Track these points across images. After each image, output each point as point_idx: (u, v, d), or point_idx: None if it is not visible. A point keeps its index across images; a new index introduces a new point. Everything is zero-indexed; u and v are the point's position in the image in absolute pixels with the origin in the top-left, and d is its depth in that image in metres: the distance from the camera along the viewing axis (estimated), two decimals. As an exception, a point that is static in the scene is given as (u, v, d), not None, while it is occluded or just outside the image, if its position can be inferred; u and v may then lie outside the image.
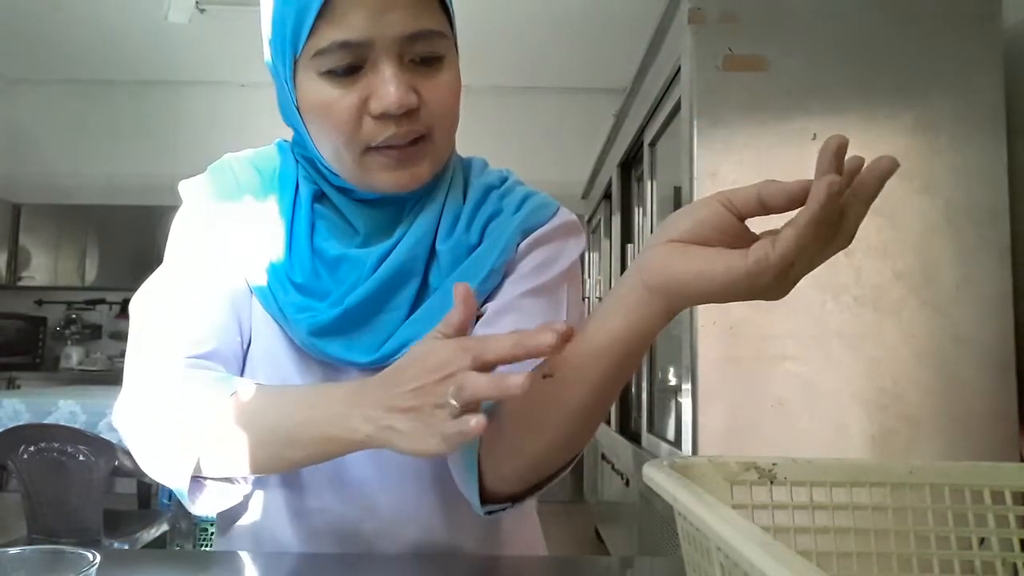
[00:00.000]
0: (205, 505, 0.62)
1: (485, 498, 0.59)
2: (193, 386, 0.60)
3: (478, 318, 0.67)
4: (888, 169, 0.42)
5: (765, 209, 0.43)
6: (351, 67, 0.58)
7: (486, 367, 0.47)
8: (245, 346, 0.69)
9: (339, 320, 0.63)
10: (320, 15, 0.57)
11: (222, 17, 3.75)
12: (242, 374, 0.69)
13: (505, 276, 0.68)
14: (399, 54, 0.58)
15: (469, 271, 0.66)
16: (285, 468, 0.59)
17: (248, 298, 0.68)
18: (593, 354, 0.50)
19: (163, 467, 0.59)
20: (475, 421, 0.45)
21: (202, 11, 3.70)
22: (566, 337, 0.46)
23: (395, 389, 0.50)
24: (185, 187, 0.71)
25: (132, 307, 0.68)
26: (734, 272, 0.43)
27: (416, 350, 0.51)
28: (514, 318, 0.64)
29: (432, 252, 0.67)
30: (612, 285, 3.12)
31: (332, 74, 0.59)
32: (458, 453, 0.59)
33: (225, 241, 0.68)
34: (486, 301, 0.67)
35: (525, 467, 0.57)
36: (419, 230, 0.66)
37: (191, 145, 4.65)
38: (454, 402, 0.46)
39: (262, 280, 0.66)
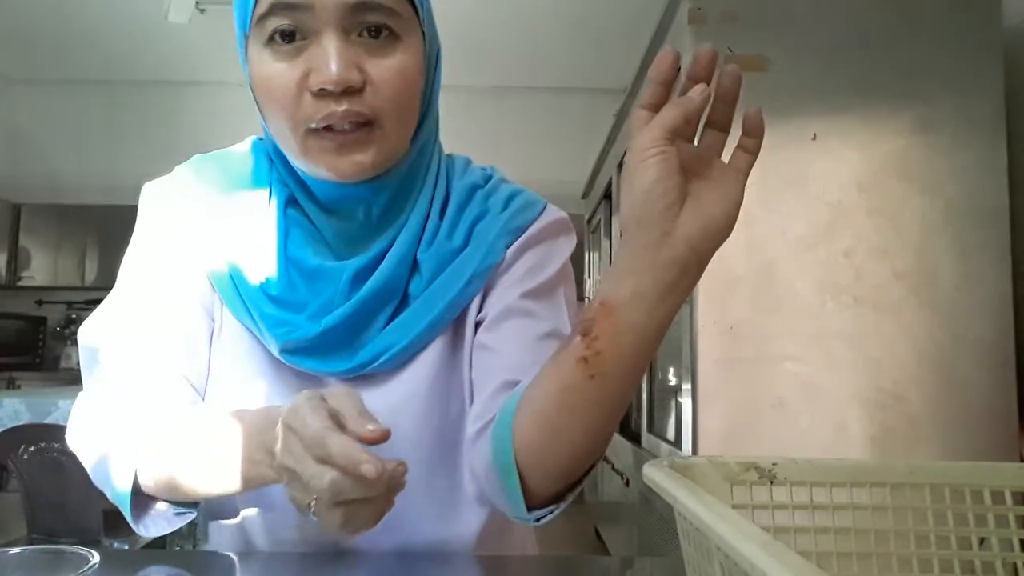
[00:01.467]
0: (148, 527, 0.60)
1: (531, 504, 0.57)
2: (141, 406, 0.60)
3: (477, 324, 0.66)
4: (711, 54, 0.47)
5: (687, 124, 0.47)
6: (291, 34, 0.56)
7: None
8: (207, 356, 0.67)
9: (316, 339, 0.61)
10: None
11: (222, 17, 3.74)
12: (208, 384, 0.68)
13: (496, 281, 0.66)
14: (344, 27, 0.56)
15: (451, 278, 0.64)
16: (207, 495, 0.58)
17: (213, 305, 0.66)
18: (644, 345, 0.49)
19: (108, 491, 0.58)
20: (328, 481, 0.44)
21: (202, 11, 3.70)
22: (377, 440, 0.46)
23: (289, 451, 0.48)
24: (148, 192, 0.69)
25: (83, 332, 0.66)
26: (738, 197, 0.48)
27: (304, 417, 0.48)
28: (517, 322, 0.64)
29: (413, 261, 0.65)
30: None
31: (274, 44, 0.57)
32: (494, 467, 0.57)
33: (188, 248, 0.66)
34: (481, 306, 0.66)
35: (569, 459, 0.55)
36: (403, 246, 0.64)
37: (191, 145, 4.59)
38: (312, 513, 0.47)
39: (234, 291, 0.64)
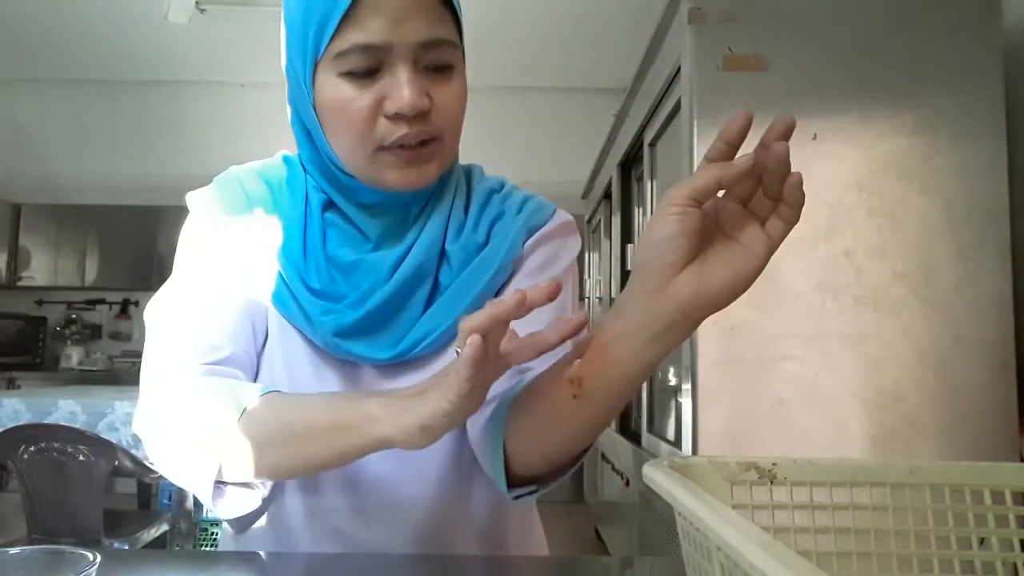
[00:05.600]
0: (227, 509, 0.64)
1: (511, 483, 0.62)
2: (213, 391, 0.62)
3: None
4: (785, 127, 0.46)
5: (719, 191, 0.48)
6: (369, 69, 0.61)
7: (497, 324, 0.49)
8: (259, 351, 0.71)
9: (363, 321, 0.66)
10: (343, 20, 0.60)
11: (222, 17, 3.75)
12: (256, 378, 0.71)
13: (513, 273, 0.72)
14: (414, 60, 0.62)
15: (479, 269, 0.69)
16: (304, 467, 0.60)
17: (261, 304, 0.70)
18: (628, 380, 0.53)
19: (186, 473, 0.62)
20: (470, 343, 0.47)
21: (202, 11, 3.70)
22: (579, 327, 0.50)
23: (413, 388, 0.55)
24: (192, 199, 0.73)
25: (147, 316, 0.70)
26: (755, 268, 0.48)
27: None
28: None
29: (442, 253, 0.71)
30: (612, 285, 3.12)
31: (351, 75, 0.62)
32: (486, 440, 0.63)
33: (236, 250, 0.70)
34: (496, 297, 0.70)
35: (551, 459, 0.61)
36: (431, 233, 0.70)
37: (191, 145, 4.65)
38: (458, 350, 0.49)
39: (280, 286, 0.69)
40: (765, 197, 0.48)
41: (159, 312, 0.69)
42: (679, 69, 1.76)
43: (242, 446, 0.59)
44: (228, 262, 0.70)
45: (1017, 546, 0.47)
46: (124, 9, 3.81)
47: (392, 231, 0.71)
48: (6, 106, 4.75)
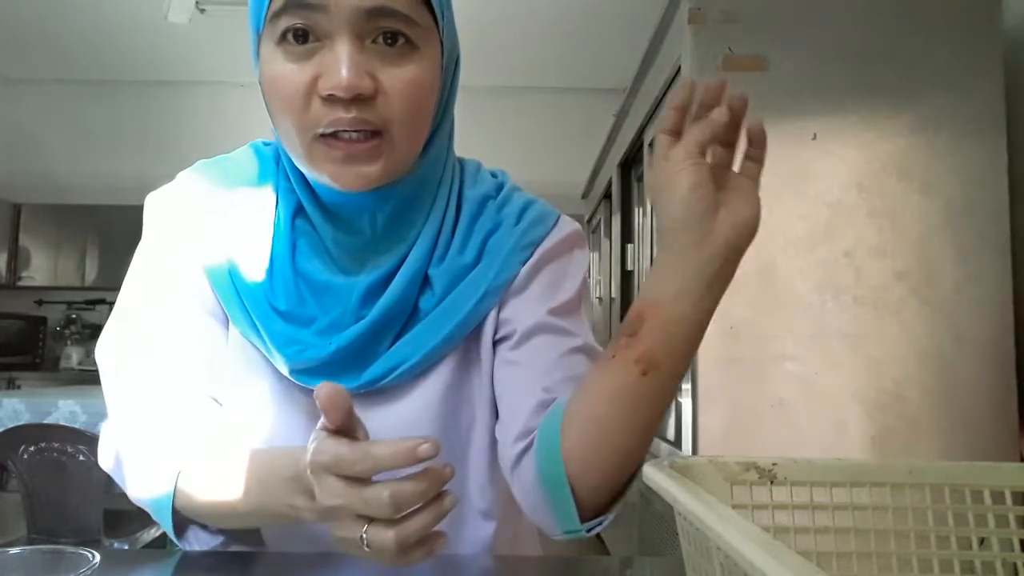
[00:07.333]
0: (190, 543, 0.64)
1: (580, 517, 0.57)
2: (172, 434, 0.62)
3: (497, 342, 0.66)
4: (720, 84, 0.53)
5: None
6: (304, 34, 0.54)
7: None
8: (224, 368, 0.67)
9: (327, 358, 0.61)
10: None
11: (222, 17, 3.75)
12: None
13: (511, 296, 0.65)
14: (358, 33, 0.54)
15: (464, 295, 0.64)
16: (232, 520, 0.62)
17: (224, 320, 0.66)
18: (692, 337, 0.53)
19: (147, 501, 0.62)
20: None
21: (202, 11, 3.69)
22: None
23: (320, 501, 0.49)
24: (151, 202, 0.67)
25: (101, 354, 0.65)
26: (757, 203, 0.53)
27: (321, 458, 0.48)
28: (548, 338, 0.64)
29: (424, 276, 0.64)
30: (612, 285, 3.12)
31: (286, 43, 0.55)
32: (542, 483, 0.57)
33: (195, 258, 0.65)
34: (497, 321, 0.66)
35: (619, 465, 0.56)
36: (415, 264, 0.63)
37: (191, 145, 4.62)
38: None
39: (240, 307, 0.63)
40: (722, 146, 0.53)
41: (115, 351, 0.64)
42: (679, 69, 1.76)
43: (190, 497, 0.61)
44: (186, 275, 0.64)
45: (1017, 546, 0.47)
46: (124, 9, 3.81)
47: (357, 250, 0.63)
48: (6, 106, 4.75)
